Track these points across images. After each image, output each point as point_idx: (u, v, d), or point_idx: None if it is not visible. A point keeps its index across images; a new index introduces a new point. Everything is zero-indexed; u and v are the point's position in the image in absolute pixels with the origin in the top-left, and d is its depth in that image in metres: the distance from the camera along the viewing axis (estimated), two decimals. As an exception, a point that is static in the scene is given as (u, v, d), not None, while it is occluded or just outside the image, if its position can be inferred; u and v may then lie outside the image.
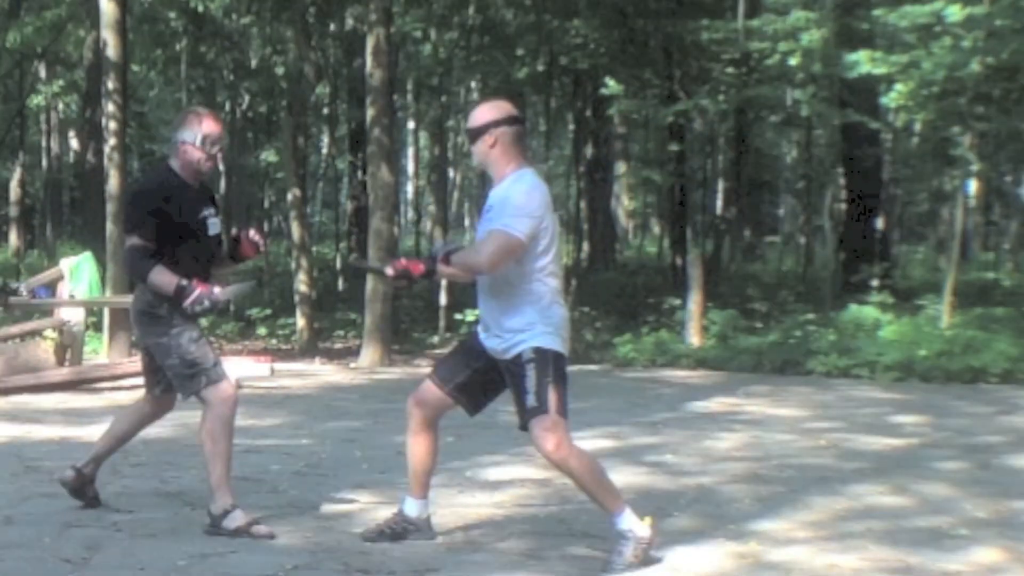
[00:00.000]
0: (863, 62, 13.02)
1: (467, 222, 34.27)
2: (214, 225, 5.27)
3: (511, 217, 4.54)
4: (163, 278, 5.02)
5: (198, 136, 5.14)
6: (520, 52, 19.52)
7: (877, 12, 13.76)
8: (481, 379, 4.81)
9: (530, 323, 4.61)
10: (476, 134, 4.70)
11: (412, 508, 5.01)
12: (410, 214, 29.30)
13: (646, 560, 4.57)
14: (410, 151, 31.12)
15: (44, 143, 28.23)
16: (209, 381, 5.10)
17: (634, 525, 4.58)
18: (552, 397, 4.57)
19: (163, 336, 5.12)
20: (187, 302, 5.00)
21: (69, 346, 11.05)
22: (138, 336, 5.29)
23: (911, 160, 19.37)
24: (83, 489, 5.56)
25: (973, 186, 20.12)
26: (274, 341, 16.30)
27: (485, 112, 4.75)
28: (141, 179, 5.48)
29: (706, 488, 6.29)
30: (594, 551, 4.89)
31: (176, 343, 5.10)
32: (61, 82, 24.93)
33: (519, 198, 4.58)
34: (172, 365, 5.15)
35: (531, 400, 4.58)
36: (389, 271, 4.87)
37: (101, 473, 6.43)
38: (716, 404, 10.00)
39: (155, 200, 5.11)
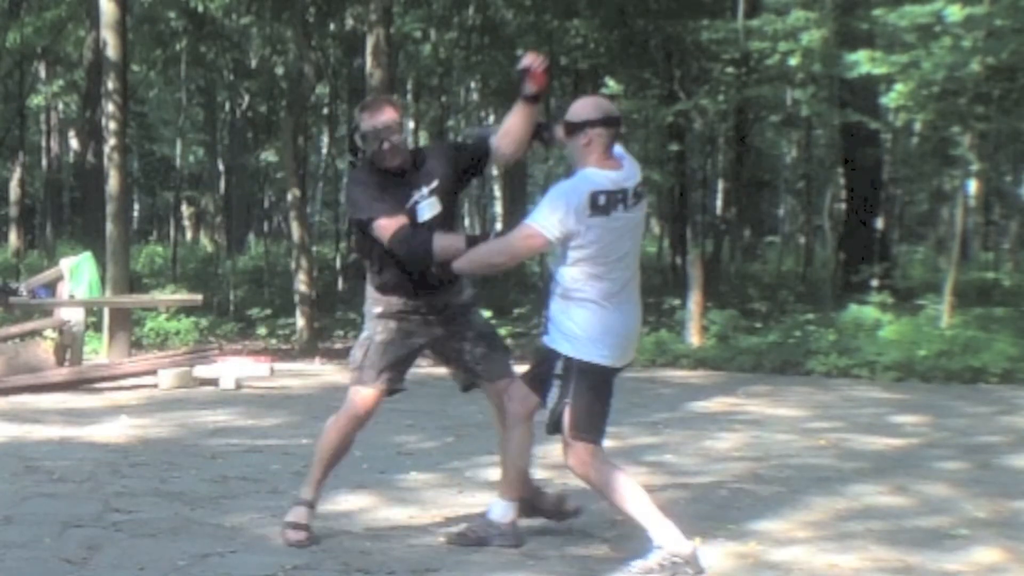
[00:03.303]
0: (863, 62, 13.01)
1: (467, 222, 34.24)
2: (424, 209, 4.89)
3: (538, 211, 4.59)
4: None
5: (361, 134, 4.92)
6: (520, 52, 19.49)
7: (877, 12, 13.74)
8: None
9: (567, 328, 4.59)
10: (574, 129, 4.65)
11: (497, 510, 4.94)
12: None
13: (676, 573, 4.48)
14: (410, 151, 31.09)
15: (44, 143, 28.22)
16: (353, 382, 5.05)
17: (668, 539, 4.50)
18: (566, 419, 4.57)
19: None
20: None
21: (69, 346, 11.04)
22: None
23: (911, 160, 19.36)
24: (553, 512, 5.22)
25: (973, 186, 20.11)
26: (274, 341, 16.28)
27: (588, 109, 4.70)
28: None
29: (706, 488, 6.28)
30: (594, 551, 4.89)
31: (369, 328, 5.05)
32: (61, 82, 24.93)
33: (554, 194, 4.59)
34: None
35: (551, 416, 4.62)
36: None
37: (101, 473, 6.45)
38: (716, 404, 9.99)
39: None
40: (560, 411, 4.59)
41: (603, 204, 4.54)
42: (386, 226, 4.76)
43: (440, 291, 4.89)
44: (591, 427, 4.63)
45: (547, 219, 4.54)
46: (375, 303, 4.99)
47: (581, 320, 4.58)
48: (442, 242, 4.72)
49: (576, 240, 4.54)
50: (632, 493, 4.61)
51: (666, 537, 4.51)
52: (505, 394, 4.90)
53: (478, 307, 5.19)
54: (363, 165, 5.04)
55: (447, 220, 4.94)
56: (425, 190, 4.88)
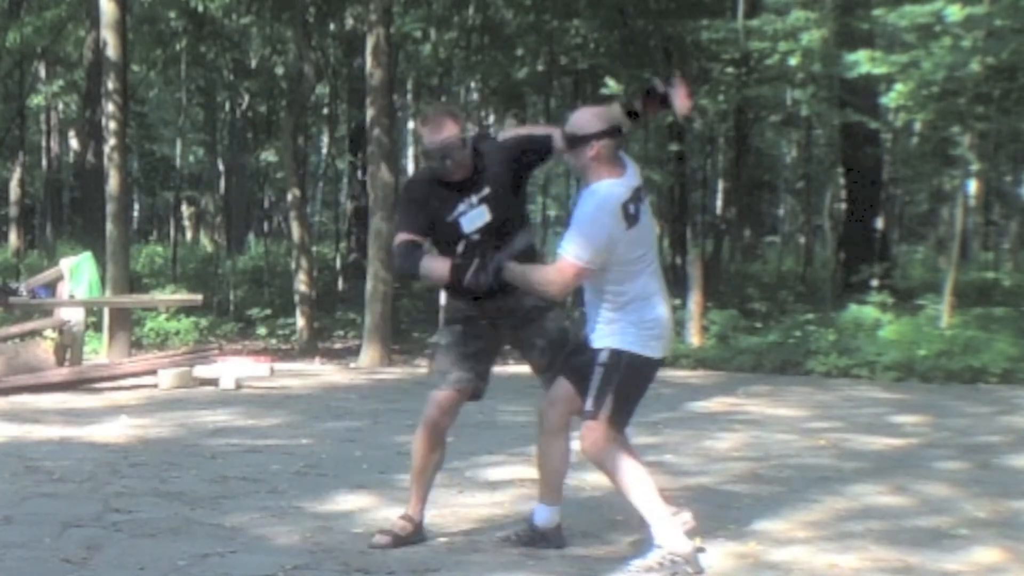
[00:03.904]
0: (863, 62, 13.01)
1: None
2: (471, 219, 4.77)
3: (573, 243, 4.50)
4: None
5: (424, 150, 4.82)
6: (520, 52, 19.50)
7: (877, 12, 13.75)
8: None
9: (613, 320, 4.59)
10: (579, 142, 4.59)
11: (542, 516, 4.91)
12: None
13: (675, 573, 4.49)
14: (410, 151, 31.10)
15: (44, 143, 28.22)
16: (431, 386, 4.98)
17: (670, 538, 4.51)
18: (607, 406, 4.58)
19: None
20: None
21: (69, 346, 11.04)
22: None
23: (911, 160, 19.36)
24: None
25: (973, 186, 20.11)
26: (274, 341, 16.30)
27: (592, 122, 4.63)
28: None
29: (706, 488, 6.28)
30: (594, 551, 4.89)
31: (442, 333, 5.02)
32: (61, 82, 24.92)
33: (584, 221, 4.53)
34: None
35: (588, 403, 4.60)
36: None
37: (101, 473, 6.45)
38: (716, 404, 9.99)
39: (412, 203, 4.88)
40: (603, 399, 4.58)
41: (633, 212, 4.56)
42: (396, 241, 4.85)
43: (498, 297, 4.77)
44: (624, 416, 4.67)
45: (586, 250, 4.50)
46: (445, 308, 5.05)
47: (632, 318, 4.58)
48: (428, 264, 4.75)
49: (616, 251, 4.53)
50: (641, 485, 4.62)
51: (667, 535, 4.51)
52: (546, 399, 4.83)
53: (552, 312, 5.00)
54: (422, 171, 4.98)
55: (502, 226, 4.78)
56: (474, 198, 4.77)
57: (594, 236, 4.50)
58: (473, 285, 4.59)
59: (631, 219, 4.55)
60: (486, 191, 4.78)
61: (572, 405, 4.76)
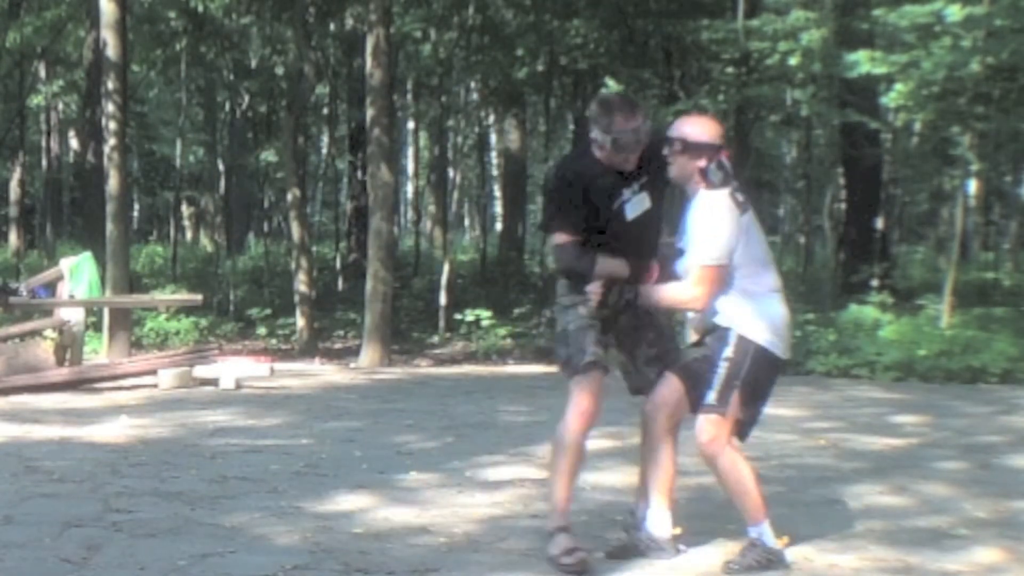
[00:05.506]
0: (863, 62, 13.01)
1: (467, 222, 34.27)
2: (632, 207, 4.75)
3: (702, 247, 4.51)
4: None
5: (605, 138, 4.65)
6: (520, 52, 19.51)
7: (877, 12, 13.74)
8: None
9: (741, 310, 4.59)
10: (693, 150, 4.58)
11: (653, 521, 4.87)
12: (410, 214, 29.30)
13: (768, 568, 4.58)
14: (410, 151, 31.13)
15: (44, 143, 28.21)
16: (568, 377, 4.79)
17: (766, 536, 4.62)
18: (732, 401, 4.59)
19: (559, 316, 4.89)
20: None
21: (69, 346, 11.04)
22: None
23: (911, 160, 19.34)
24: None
25: (973, 186, 20.09)
26: (274, 341, 16.30)
27: (709, 132, 4.63)
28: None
29: (706, 488, 6.26)
30: (594, 551, 4.89)
31: (562, 321, 4.86)
32: (61, 82, 24.91)
33: (704, 222, 4.53)
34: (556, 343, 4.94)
35: (710, 396, 4.60)
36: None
37: (101, 473, 6.45)
38: (716, 404, 9.98)
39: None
40: (728, 393, 4.59)
41: (742, 200, 4.59)
42: (559, 240, 4.76)
43: (628, 288, 4.77)
44: (749, 414, 4.69)
45: (716, 247, 4.51)
46: (567, 294, 4.85)
47: (761, 310, 4.62)
48: (605, 267, 4.69)
49: (740, 239, 4.55)
50: (748, 487, 4.68)
51: (764, 535, 4.63)
52: (650, 400, 4.81)
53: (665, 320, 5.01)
54: (577, 156, 4.85)
55: (656, 215, 4.80)
56: (636, 185, 4.76)
57: (719, 231, 4.51)
58: (615, 303, 4.68)
59: (741, 206, 4.58)
60: (645, 178, 4.78)
61: (679, 409, 4.76)
